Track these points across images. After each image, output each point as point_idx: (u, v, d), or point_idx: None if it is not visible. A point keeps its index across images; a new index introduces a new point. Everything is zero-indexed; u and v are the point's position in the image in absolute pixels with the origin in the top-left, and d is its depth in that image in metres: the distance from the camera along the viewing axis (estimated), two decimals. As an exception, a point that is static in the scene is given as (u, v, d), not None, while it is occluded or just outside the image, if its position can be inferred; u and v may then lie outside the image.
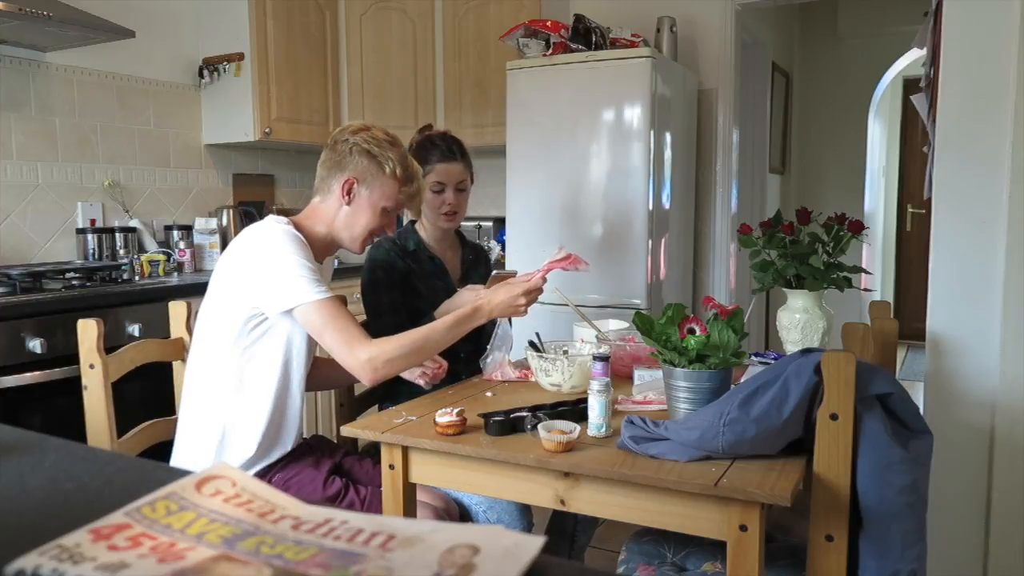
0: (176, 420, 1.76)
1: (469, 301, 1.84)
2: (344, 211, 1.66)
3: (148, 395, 2.10)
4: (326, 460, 1.70)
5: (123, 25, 2.75)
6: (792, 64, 5.28)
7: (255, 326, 1.56)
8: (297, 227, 1.61)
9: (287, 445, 1.66)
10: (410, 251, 2.01)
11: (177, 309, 1.79)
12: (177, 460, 1.64)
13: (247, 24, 3.23)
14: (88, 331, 1.55)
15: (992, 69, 1.91)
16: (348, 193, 1.65)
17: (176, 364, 1.81)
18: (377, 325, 1.91)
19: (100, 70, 3.06)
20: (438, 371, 1.76)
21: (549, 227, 3.10)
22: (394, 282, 1.95)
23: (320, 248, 1.67)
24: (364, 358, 1.51)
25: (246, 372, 1.59)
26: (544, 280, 1.69)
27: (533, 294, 1.68)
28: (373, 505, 1.59)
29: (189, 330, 1.78)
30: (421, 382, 1.76)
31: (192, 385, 1.63)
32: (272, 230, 1.57)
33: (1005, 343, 1.94)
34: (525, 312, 1.68)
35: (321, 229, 1.67)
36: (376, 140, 1.66)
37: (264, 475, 1.61)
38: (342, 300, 1.58)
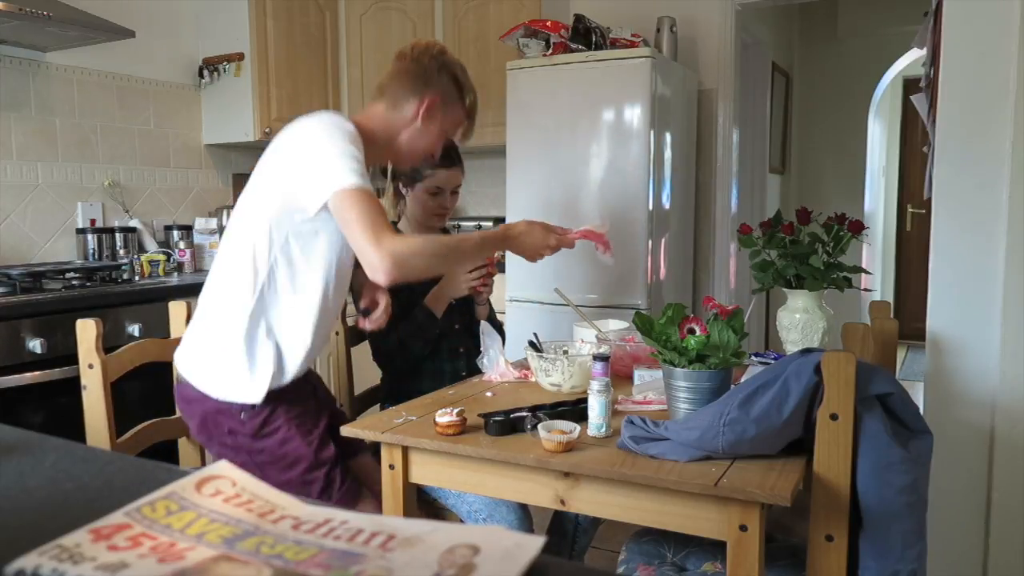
0: (174, 418, 1.75)
1: (457, 281, 1.92)
2: (415, 127, 1.62)
3: (148, 395, 2.10)
4: (324, 414, 1.65)
5: (123, 25, 2.75)
6: (792, 64, 5.28)
7: (301, 221, 1.49)
8: (356, 126, 1.53)
9: (313, 357, 1.61)
10: None
11: (177, 309, 1.79)
12: (201, 373, 1.55)
13: (247, 24, 3.23)
14: (87, 331, 1.55)
15: (992, 69, 1.91)
16: (428, 110, 1.61)
17: None
18: None
19: (100, 70, 3.06)
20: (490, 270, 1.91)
21: (549, 227, 3.10)
22: None
23: (372, 154, 1.58)
24: (389, 250, 1.41)
25: (294, 273, 1.52)
26: (573, 244, 1.73)
27: (559, 248, 1.71)
28: (349, 495, 1.58)
29: None
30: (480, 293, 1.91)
31: (219, 291, 1.55)
32: (325, 118, 1.51)
33: (1005, 343, 1.94)
34: (538, 258, 1.71)
35: (381, 136, 1.62)
36: (460, 66, 1.66)
37: (274, 400, 1.54)
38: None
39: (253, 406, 1.53)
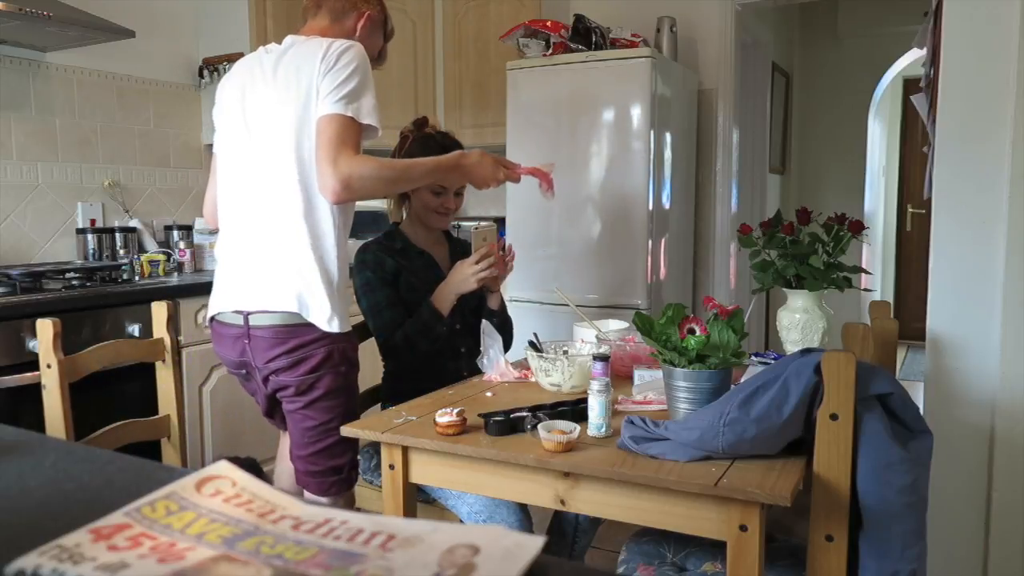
0: (156, 418, 1.73)
1: (464, 275, 1.92)
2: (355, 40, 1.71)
3: (135, 396, 2.09)
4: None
5: (123, 25, 2.75)
6: (792, 64, 5.28)
7: None
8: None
9: None
10: (398, 249, 2.01)
11: (159, 310, 1.75)
12: (321, 312, 1.61)
13: (247, 24, 3.22)
14: (45, 331, 1.50)
15: (992, 69, 1.91)
16: (366, 25, 1.74)
17: (158, 364, 1.78)
18: (379, 321, 1.91)
19: (100, 70, 3.06)
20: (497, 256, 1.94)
21: (549, 227, 3.10)
22: (387, 280, 1.95)
23: None
24: (344, 174, 1.50)
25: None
26: (519, 178, 1.88)
27: (507, 180, 1.84)
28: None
29: (171, 331, 1.75)
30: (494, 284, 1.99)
31: (305, 223, 1.59)
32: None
33: (1005, 343, 1.94)
34: (485, 187, 1.83)
35: None
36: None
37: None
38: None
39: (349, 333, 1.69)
